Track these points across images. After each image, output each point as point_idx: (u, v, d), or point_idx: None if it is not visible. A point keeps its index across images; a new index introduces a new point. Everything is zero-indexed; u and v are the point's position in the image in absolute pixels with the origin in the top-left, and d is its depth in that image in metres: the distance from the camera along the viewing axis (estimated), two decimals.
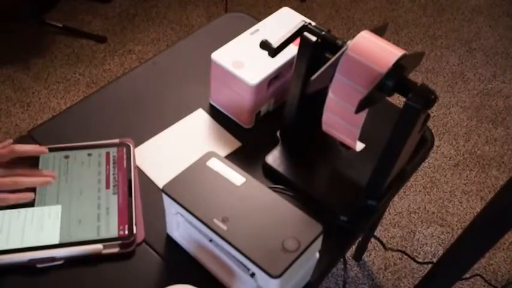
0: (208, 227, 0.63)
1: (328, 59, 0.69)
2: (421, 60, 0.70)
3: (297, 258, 0.61)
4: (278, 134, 0.87)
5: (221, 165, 0.69)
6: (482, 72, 2.15)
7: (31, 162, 0.79)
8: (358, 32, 0.68)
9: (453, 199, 1.73)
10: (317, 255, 0.69)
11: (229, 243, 0.62)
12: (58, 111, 1.81)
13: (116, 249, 0.72)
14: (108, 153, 0.81)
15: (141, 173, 0.82)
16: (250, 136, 0.89)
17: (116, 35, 2.13)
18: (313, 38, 0.72)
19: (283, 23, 0.92)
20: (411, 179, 1.75)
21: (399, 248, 1.59)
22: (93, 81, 1.94)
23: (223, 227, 0.63)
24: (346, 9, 2.35)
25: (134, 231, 0.73)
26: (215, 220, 0.64)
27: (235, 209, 0.65)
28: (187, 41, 1.05)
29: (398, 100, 1.85)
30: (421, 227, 1.65)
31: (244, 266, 0.64)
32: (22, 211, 0.74)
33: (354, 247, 1.53)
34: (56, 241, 0.71)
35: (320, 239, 0.65)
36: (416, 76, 2.10)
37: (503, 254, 1.61)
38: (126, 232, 0.72)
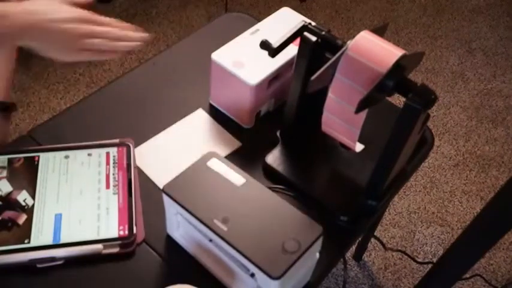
0: (208, 227, 0.63)
1: (328, 59, 0.69)
2: (421, 60, 0.70)
3: (297, 259, 0.61)
4: (278, 134, 0.87)
5: (221, 166, 0.69)
6: (482, 72, 2.15)
7: (28, 162, 0.78)
8: (358, 32, 0.68)
9: (453, 199, 1.73)
10: (317, 255, 0.69)
11: (230, 244, 0.62)
12: (58, 111, 1.81)
13: (116, 249, 0.72)
14: (108, 153, 0.81)
15: (141, 173, 0.82)
16: (250, 136, 0.89)
17: None
18: (313, 38, 0.72)
19: (283, 23, 0.92)
20: (411, 179, 1.75)
21: (399, 248, 1.59)
22: (93, 81, 1.94)
23: (224, 227, 0.63)
24: (346, 9, 2.35)
25: (134, 231, 0.73)
26: (215, 220, 0.64)
27: (235, 209, 0.65)
28: (187, 41, 1.05)
29: (398, 100, 1.85)
30: (421, 227, 1.65)
31: (244, 266, 0.64)
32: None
33: (354, 247, 1.53)
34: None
35: (320, 240, 0.65)
36: (416, 76, 2.09)
37: (503, 254, 1.61)
38: (126, 232, 0.72)
